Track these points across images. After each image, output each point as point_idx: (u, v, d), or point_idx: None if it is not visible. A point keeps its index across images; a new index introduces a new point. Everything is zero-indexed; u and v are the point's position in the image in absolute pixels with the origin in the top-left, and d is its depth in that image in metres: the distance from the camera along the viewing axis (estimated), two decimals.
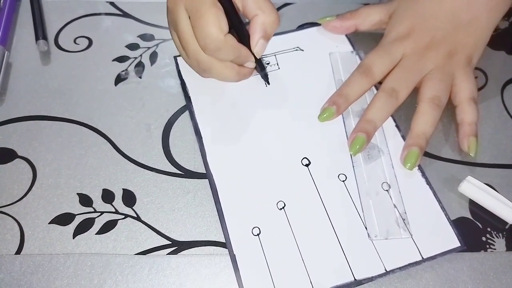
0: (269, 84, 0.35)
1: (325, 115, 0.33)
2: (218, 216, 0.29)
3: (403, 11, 0.34)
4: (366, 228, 0.28)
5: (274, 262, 0.27)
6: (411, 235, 0.28)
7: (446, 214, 0.29)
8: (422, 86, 0.32)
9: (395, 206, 0.29)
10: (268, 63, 0.36)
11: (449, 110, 0.33)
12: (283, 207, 0.29)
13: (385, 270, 0.27)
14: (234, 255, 0.27)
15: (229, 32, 0.30)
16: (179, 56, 0.36)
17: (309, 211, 0.29)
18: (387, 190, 0.30)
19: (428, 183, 0.30)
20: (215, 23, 0.28)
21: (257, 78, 0.35)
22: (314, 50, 0.37)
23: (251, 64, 0.33)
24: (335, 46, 0.37)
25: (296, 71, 0.36)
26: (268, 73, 0.35)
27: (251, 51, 0.31)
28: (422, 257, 0.27)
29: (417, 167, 0.31)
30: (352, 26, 0.37)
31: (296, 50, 0.37)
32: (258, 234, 0.28)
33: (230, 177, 0.30)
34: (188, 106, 0.34)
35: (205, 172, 0.31)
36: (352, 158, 0.31)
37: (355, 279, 0.27)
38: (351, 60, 0.36)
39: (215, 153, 0.31)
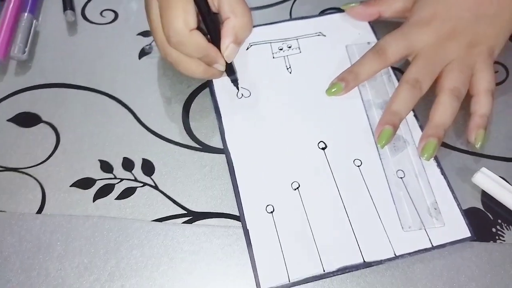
0: (238, 90, 0.34)
1: (333, 90, 0.33)
2: (233, 191, 0.30)
3: None
4: (399, 219, 0.28)
5: (286, 239, 0.28)
6: (444, 224, 0.28)
7: (458, 205, 0.29)
8: (443, 77, 0.32)
9: (425, 196, 0.29)
10: (290, 47, 0.37)
11: (466, 102, 0.33)
12: (297, 188, 0.30)
13: (395, 254, 0.27)
14: (248, 230, 0.28)
15: (202, 31, 0.29)
16: None
17: (323, 193, 0.30)
18: (416, 178, 0.30)
19: (443, 173, 0.30)
20: (181, 16, 0.28)
21: (279, 60, 0.36)
22: (336, 36, 0.37)
23: (220, 66, 0.32)
24: (358, 33, 0.37)
25: (317, 56, 0.36)
26: (289, 56, 0.36)
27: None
28: (432, 245, 0.28)
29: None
30: (376, 13, 0.37)
31: (318, 35, 0.37)
32: (272, 212, 0.29)
33: (247, 156, 0.31)
34: (209, 85, 0.35)
35: (222, 147, 0.32)
36: (379, 151, 0.31)
37: (364, 261, 0.27)
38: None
39: (233, 132, 0.32)
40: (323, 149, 0.31)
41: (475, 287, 0.27)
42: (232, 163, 0.31)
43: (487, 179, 0.29)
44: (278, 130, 0.32)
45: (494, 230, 0.29)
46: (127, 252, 0.28)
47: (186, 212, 0.29)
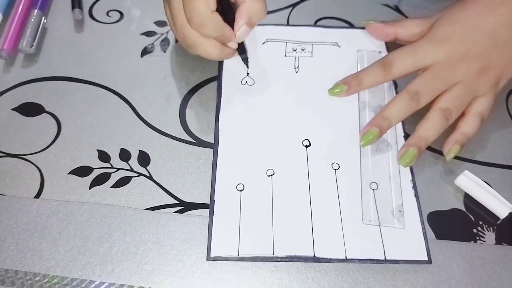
0: (248, 68, 0.36)
1: (336, 90, 0.35)
2: (212, 166, 0.31)
3: (447, 17, 0.35)
4: (362, 212, 0.29)
5: (246, 217, 0.29)
6: (404, 227, 0.29)
7: (423, 228, 0.29)
8: (442, 96, 0.33)
9: (393, 198, 0.30)
10: (303, 49, 0.38)
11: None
12: (271, 175, 0.31)
13: (345, 257, 0.28)
14: (214, 201, 0.30)
15: (217, 11, 0.31)
16: None
17: (294, 185, 0.31)
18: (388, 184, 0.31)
19: (415, 192, 0.31)
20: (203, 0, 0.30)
21: (289, 59, 0.37)
22: (351, 49, 0.38)
23: (234, 44, 0.34)
24: (372, 50, 0.38)
25: (326, 62, 0.37)
26: (300, 58, 0.38)
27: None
28: (385, 258, 0.28)
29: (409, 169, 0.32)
30: (393, 34, 0.37)
31: (334, 45, 0.39)
32: (241, 190, 0.30)
33: (233, 135, 0.33)
34: (219, 66, 0.37)
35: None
36: (361, 148, 0.32)
37: (314, 255, 0.28)
38: (377, 59, 0.37)
39: (227, 111, 0.34)
40: (306, 146, 0.33)
41: (454, 285, 0.28)
42: (218, 138, 0.32)
43: (469, 182, 0.31)
44: (269, 121, 0.34)
45: (475, 231, 0.30)
46: (119, 238, 0.29)
47: (178, 202, 0.30)
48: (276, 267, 0.28)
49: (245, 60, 0.36)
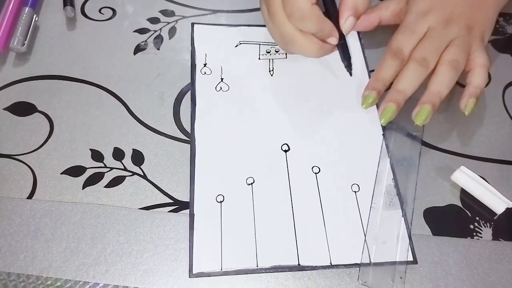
0: (351, 75, 0.35)
1: (369, 101, 0.33)
2: (189, 178, 0.30)
3: None
4: (359, 270, 0.27)
5: (228, 230, 0.28)
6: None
7: (408, 228, 0.29)
8: (443, 52, 0.34)
9: (396, 261, 0.28)
10: (277, 51, 0.37)
11: (450, 100, 0.35)
12: (251, 183, 0.30)
13: (330, 263, 0.27)
14: (193, 215, 0.29)
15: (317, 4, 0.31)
16: (197, 23, 0.39)
17: (275, 192, 0.30)
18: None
19: (398, 190, 0.30)
20: None
21: (263, 62, 0.37)
22: None
23: (334, 40, 0.33)
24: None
25: (300, 63, 0.37)
26: (274, 60, 0.37)
27: (338, 28, 0.33)
28: (370, 261, 0.27)
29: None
30: (376, 19, 0.38)
31: None
32: (221, 202, 0.29)
33: (210, 145, 0.32)
34: (191, 72, 0.36)
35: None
36: (372, 200, 0.30)
37: (299, 264, 0.27)
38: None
39: (203, 121, 0.33)
40: (285, 151, 0.32)
41: (451, 281, 0.28)
42: (194, 150, 0.32)
43: (465, 177, 0.30)
44: (246, 127, 0.33)
45: (472, 226, 0.30)
46: (113, 239, 0.28)
47: (172, 201, 0.30)
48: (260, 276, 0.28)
49: (348, 67, 0.35)
